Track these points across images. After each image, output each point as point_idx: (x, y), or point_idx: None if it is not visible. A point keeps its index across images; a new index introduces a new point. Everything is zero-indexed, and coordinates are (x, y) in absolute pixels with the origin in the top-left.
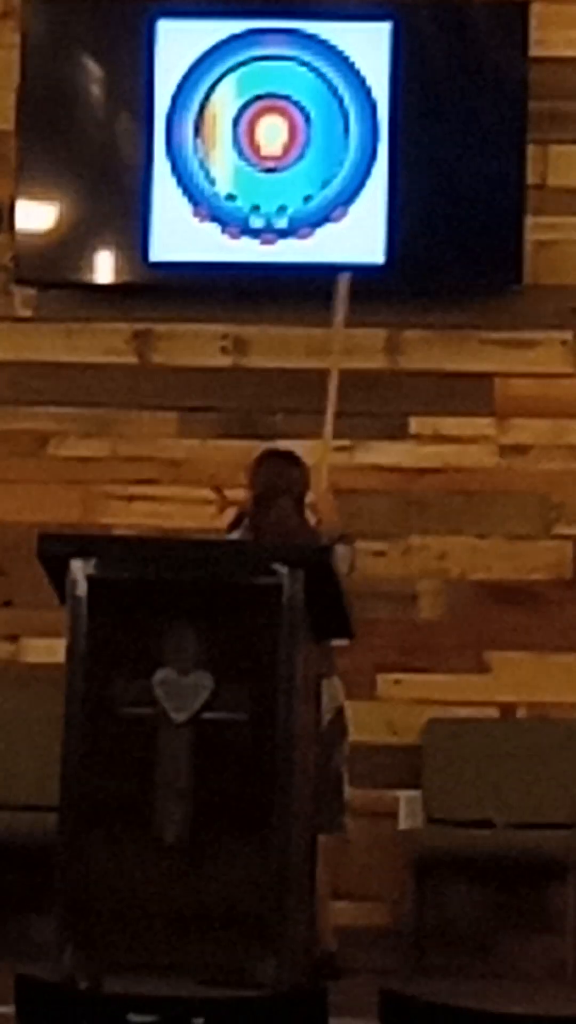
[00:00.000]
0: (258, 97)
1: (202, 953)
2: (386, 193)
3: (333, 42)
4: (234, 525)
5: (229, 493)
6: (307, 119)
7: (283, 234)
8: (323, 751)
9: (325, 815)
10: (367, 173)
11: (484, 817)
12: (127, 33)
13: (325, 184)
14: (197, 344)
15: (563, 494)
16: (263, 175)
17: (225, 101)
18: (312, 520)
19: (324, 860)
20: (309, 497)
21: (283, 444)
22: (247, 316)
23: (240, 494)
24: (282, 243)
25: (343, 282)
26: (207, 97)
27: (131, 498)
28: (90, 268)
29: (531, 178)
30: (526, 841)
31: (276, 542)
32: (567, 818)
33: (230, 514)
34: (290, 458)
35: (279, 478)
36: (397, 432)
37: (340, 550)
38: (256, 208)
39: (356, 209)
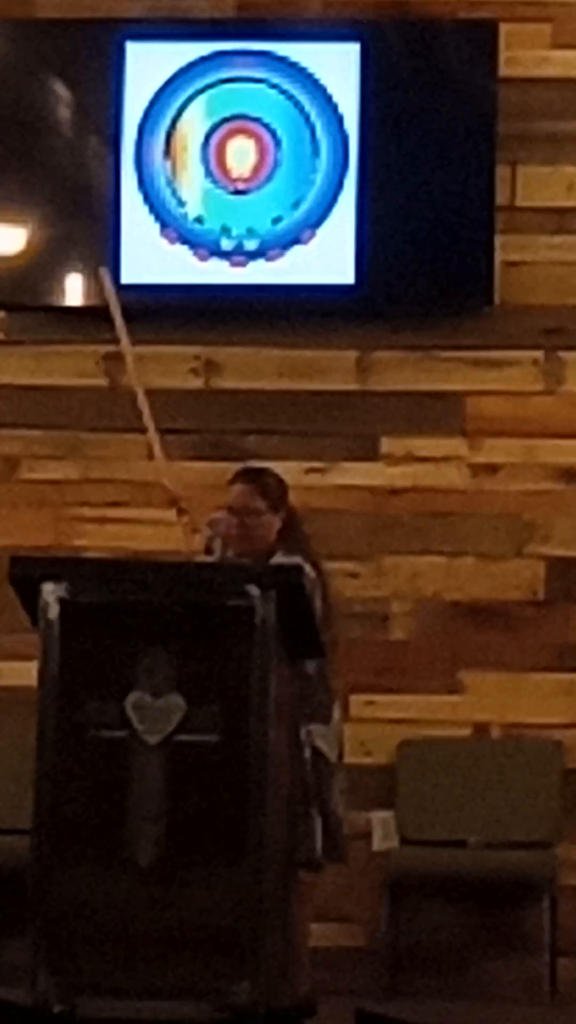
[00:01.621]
0: (227, 119)
1: (177, 976)
2: (355, 214)
3: (302, 63)
4: (207, 551)
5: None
6: (276, 141)
7: (253, 256)
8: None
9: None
10: (336, 194)
11: (458, 837)
12: (96, 56)
13: (295, 205)
14: (167, 366)
15: (535, 513)
16: (232, 197)
17: (194, 123)
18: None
19: (301, 896)
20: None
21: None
22: (217, 338)
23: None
24: (252, 265)
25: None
26: (176, 119)
27: (102, 520)
28: (60, 291)
29: (500, 198)
30: (500, 861)
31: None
32: (541, 837)
33: (199, 539)
34: (266, 474)
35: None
36: (368, 453)
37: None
38: (226, 230)
39: (325, 230)
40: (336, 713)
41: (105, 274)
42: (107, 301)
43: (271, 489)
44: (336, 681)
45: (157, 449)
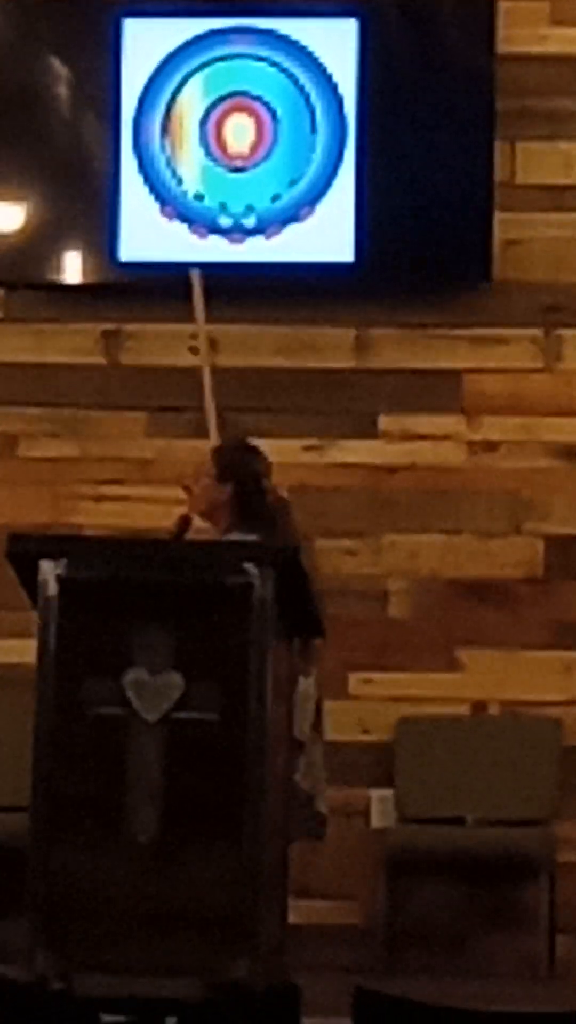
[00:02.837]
0: (225, 96)
1: (175, 953)
2: (354, 191)
3: (300, 40)
4: (179, 534)
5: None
6: (274, 118)
7: (251, 233)
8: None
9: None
10: (335, 171)
11: (456, 814)
12: (93, 33)
13: (293, 183)
14: (166, 344)
15: (533, 491)
16: (231, 174)
17: (192, 100)
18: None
19: None
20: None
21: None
22: (216, 315)
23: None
24: (250, 242)
25: (196, 278)
26: (174, 97)
27: (101, 498)
28: (58, 268)
29: (499, 175)
30: (498, 838)
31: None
32: (539, 815)
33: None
34: (252, 448)
35: (259, 465)
36: (367, 430)
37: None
38: (224, 207)
39: (324, 207)
40: (304, 686)
41: (196, 276)
42: (194, 302)
43: (221, 459)
44: (311, 655)
45: (213, 431)
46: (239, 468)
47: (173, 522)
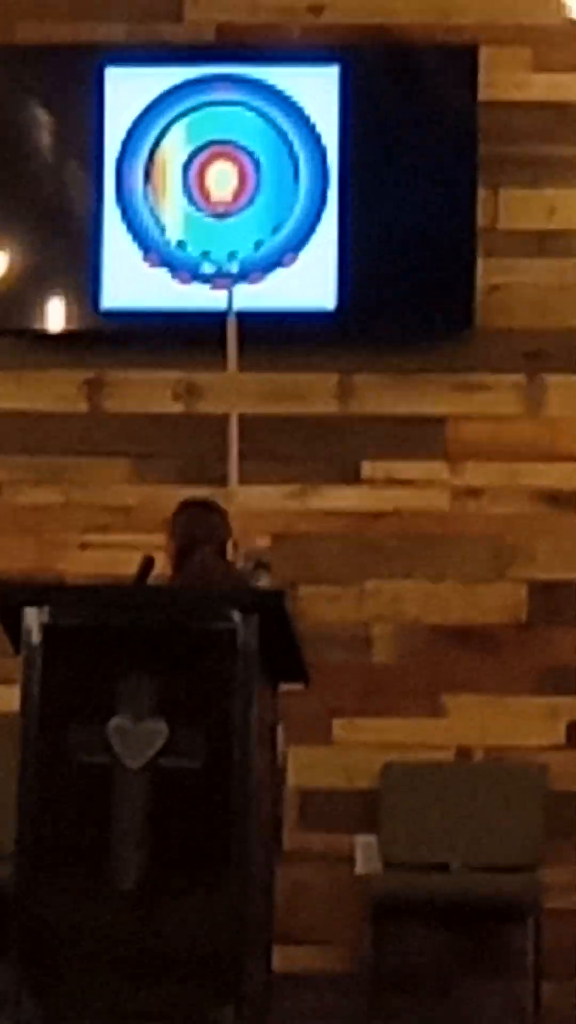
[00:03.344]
0: (208, 143)
1: (161, 1000)
2: (337, 237)
3: (281, 87)
4: (141, 578)
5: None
6: (257, 165)
7: (234, 280)
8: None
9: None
10: (317, 218)
11: (441, 860)
12: (76, 81)
13: (276, 229)
14: (149, 390)
15: (516, 537)
16: (213, 221)
17: (175, 148)
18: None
19: None
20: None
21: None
22: (199, 362)
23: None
24: (233, 288)
25: (231, 325)
26: (157, 144)
27: (84, 545)
28: (41, 315)
29: (482, 221)
30: (484, 884)
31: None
32: (525, 861)
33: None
34: (209, 506)
35: (199, 527)
36: (350, 476)
37: (261, 575)
38: (207, 254)
39: (307, 254)
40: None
41: (232, 323)
42: (228, 348)
43: (173, 516)
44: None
45: (234, 479)
46: (180, 524)
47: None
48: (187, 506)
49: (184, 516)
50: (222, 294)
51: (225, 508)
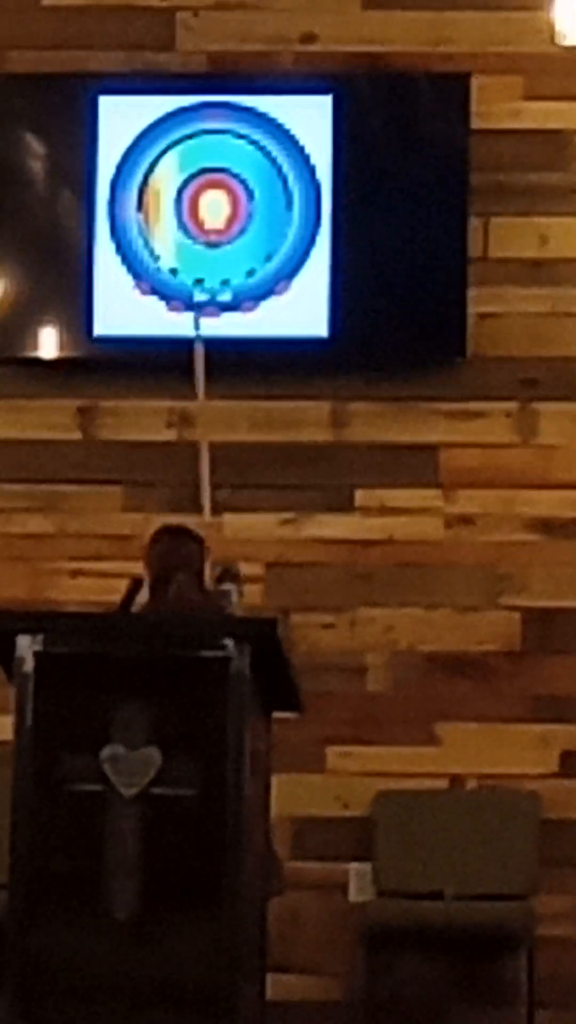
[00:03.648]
0: (200, 172)
1: None
2: (329, 266)
3: (274, 116)
4: (127, 601)
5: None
6: (249, 193)
7: (226, 308)
8: None
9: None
10: (310, 246)
11: (435, 889)
12: (68, 109)
13: (268, 258)
14: (142, 419)
15: (510, 565)
16: (206, 249)
17: (167, 176)
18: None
19: None
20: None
21: (183, 520)
22: (192, 390)
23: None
24: (226, 317)
25: (199, 352)
26: (149, 172)
27: (77, 573)
28: (33, 343)
29: (473, 250)
30: (478, 913)
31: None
32: (518, 889)
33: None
34: (184, 533)
35: (174, 555)
36: (343, 504)
37: (229, 587)
38: (199, 282)
39: (299, 282)
40: None
41: (199, 348)
42: (195, 375)
43: (148, 544)
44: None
45: (207, 507)
46: (152, 555)
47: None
48: (163, 533)
49: (160, 544)
50: (215, 322)
51: (202, 536)
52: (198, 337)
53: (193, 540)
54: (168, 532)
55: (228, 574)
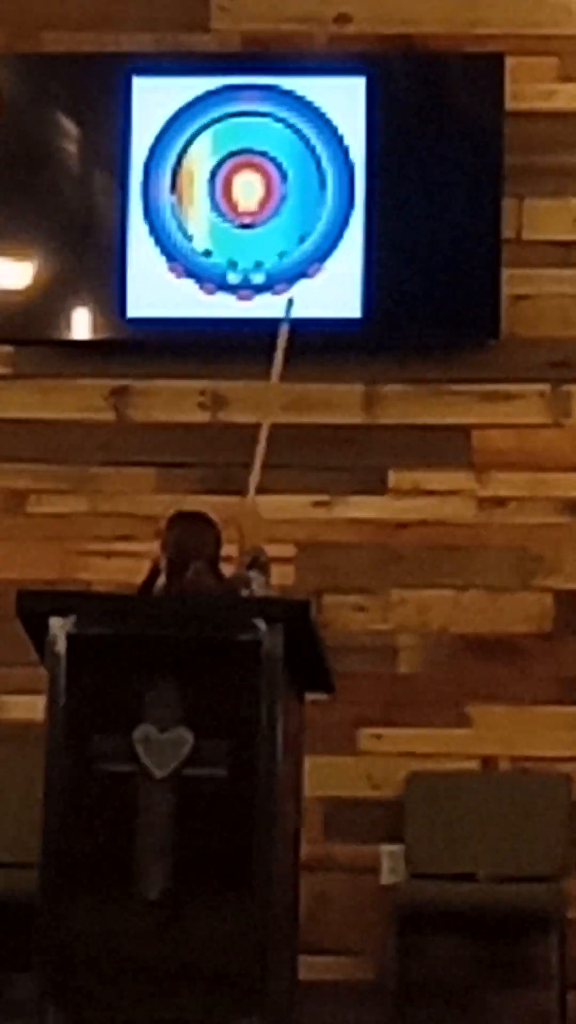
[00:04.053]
0: (234, 153)
1: (185, 1010)
2: (362, 248)
3: (308, 97)
4: (148, 583)
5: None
6: (283, 175)
7: (260, 289)
8: None
9: None
10: (343, 228)
11: (467, 871)
12: (102, 90)
13: (302, 239)
14: (175, 400)
15: (542, 546)
16: (239, 231)
17: (201, 157)
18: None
19: None
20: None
21: (195, 503)
22: (224, 371)
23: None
24: (259, 298)
25: (282, 334)
26: (183, 153)
27: (109, 554)
28: (67, 325)
29: (507, 231)
30: (509, 894)
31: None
32: (550, 871)
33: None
34: (201, 519)
35: (190, 540)
36: (375, 486)
37: (253, 575)
38: (232, 264)
39: (332, 264)
40: None
41: (284, 330)
42: (276, 356)
43: (164, 528)
44: None
45: (252, 489)
46: (167, 540)
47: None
48: (179, 518)
49: (175, 529)
50: (248, 304)
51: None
52: (286, 319)
53: (209, 526)
54: (184, 517)
55: (256, 563)
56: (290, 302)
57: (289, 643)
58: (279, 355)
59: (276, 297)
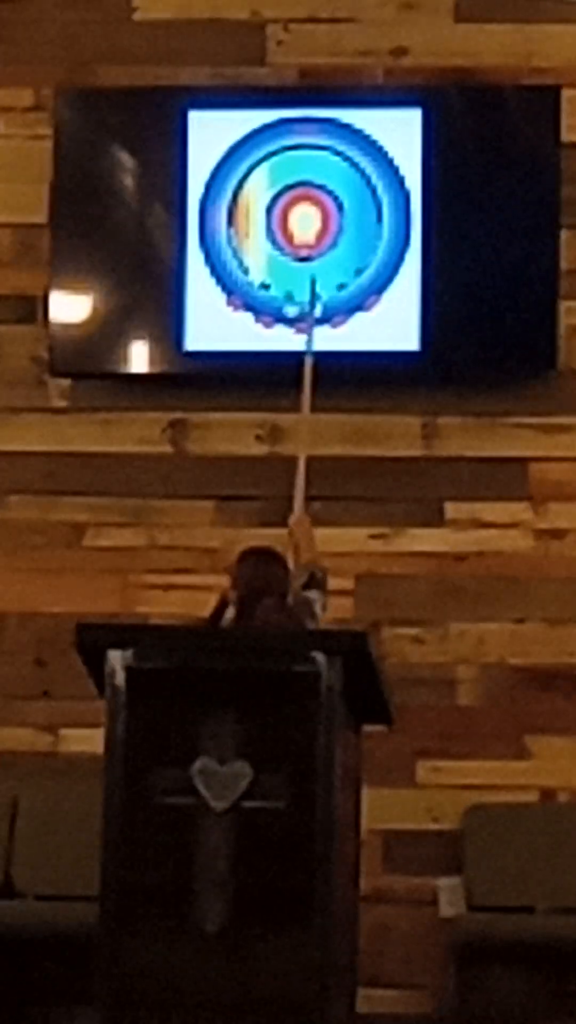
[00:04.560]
0: (291, 186)
1: None
2: (419, 280)
3: (364, 130)
4: (216, 616)
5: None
6: (340, 207)
7: (317, 322)
8: None
9: None
10: (400, 260)
11: (526, 903)
12: (159, 124)
13: (359, 272)
14: (232, 433)
15: None
16: (296, 264)
17: (258, 190)
18: (289, 551)
19: None
20: (292, 521)
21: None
22: (282, 404)
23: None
24: (316, 331)
25: (307, 365)
26: (240, 186)
27: (168, 587)
28: (125, 358)
29: (565, 263)
30: (569, 927)
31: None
32: None
33: (212, 603)
34: (270, 555)
35: (260, 578)
36: (433, 518)
37: (313, 595)
38: (290, 297)
39: (390, 296)
40: None
41: (308, 361)
42: (303, 387)
43: (234, 564)
44: None
45: (299, 505)
46: (238, 577)
47: (216, 598)
48: (248, 555)
49: (246, 566)
50: (305, 337)
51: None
52: (309, 351)
53: (278, 562)
54: (254, 554)
55: (314, 580)
56: (310, 334)
57: (347, 675)
58: (306, 387)
59: (334, 330)
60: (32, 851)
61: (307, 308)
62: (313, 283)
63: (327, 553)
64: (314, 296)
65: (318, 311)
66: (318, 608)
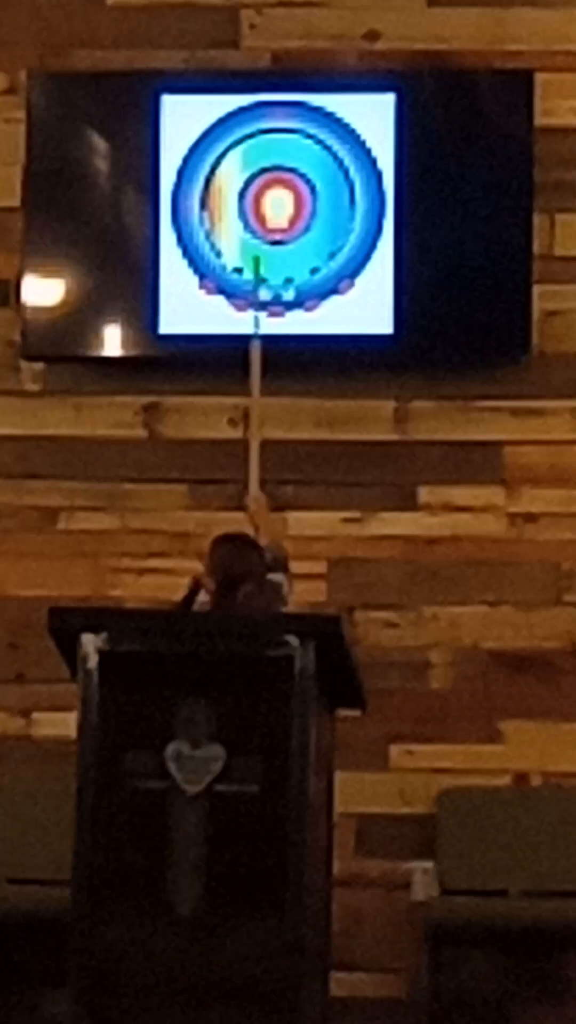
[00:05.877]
0: (264, 170)
1: None
2: (393, 264)
3: (338, 114)
4: (188, 600)
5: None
6: (313, 191)
7: (290, 306)
8: None
9: None
10: (374, 244)
11: (499, 887)
12: (132, 108)
13: (332, 256)
14: (206, 416)
15: (573, 562)
16: (270, 247)
17: (231, 174)
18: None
19: None
20: (249, 502)
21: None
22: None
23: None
24: (289, 315)
25: (255, 348)
26: (213, 170)
27: (141, 571)
28: (98, 342)
29: (537, 247)
30: (541, 910)
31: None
32: None
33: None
34: (244, 541)
35: (238, 564)
36: (407, 502)
37: (279, 578)
38: (263, 281)
39: (363, 280)
40: None
41: (256, 347)
42: (251, 372)
43: (209, 550)
44: None
45: (254, 485)
46: (213, 563)
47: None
48: (223, 540)
49: (222, 552)
50: (279, 320)
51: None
52: (256, 335)
53: (254, 549)
54: (228, 540)
55: (276, 562)
56: (257, 317)
57: (321, 659)
58: (255, 371)
59: (306, 314)
60: (5, 834)
61: (253, 288)
62: (257, 262)
63: (300, 537)
64: (258, 277)
65: (264, 294)
66: (286, 591)
